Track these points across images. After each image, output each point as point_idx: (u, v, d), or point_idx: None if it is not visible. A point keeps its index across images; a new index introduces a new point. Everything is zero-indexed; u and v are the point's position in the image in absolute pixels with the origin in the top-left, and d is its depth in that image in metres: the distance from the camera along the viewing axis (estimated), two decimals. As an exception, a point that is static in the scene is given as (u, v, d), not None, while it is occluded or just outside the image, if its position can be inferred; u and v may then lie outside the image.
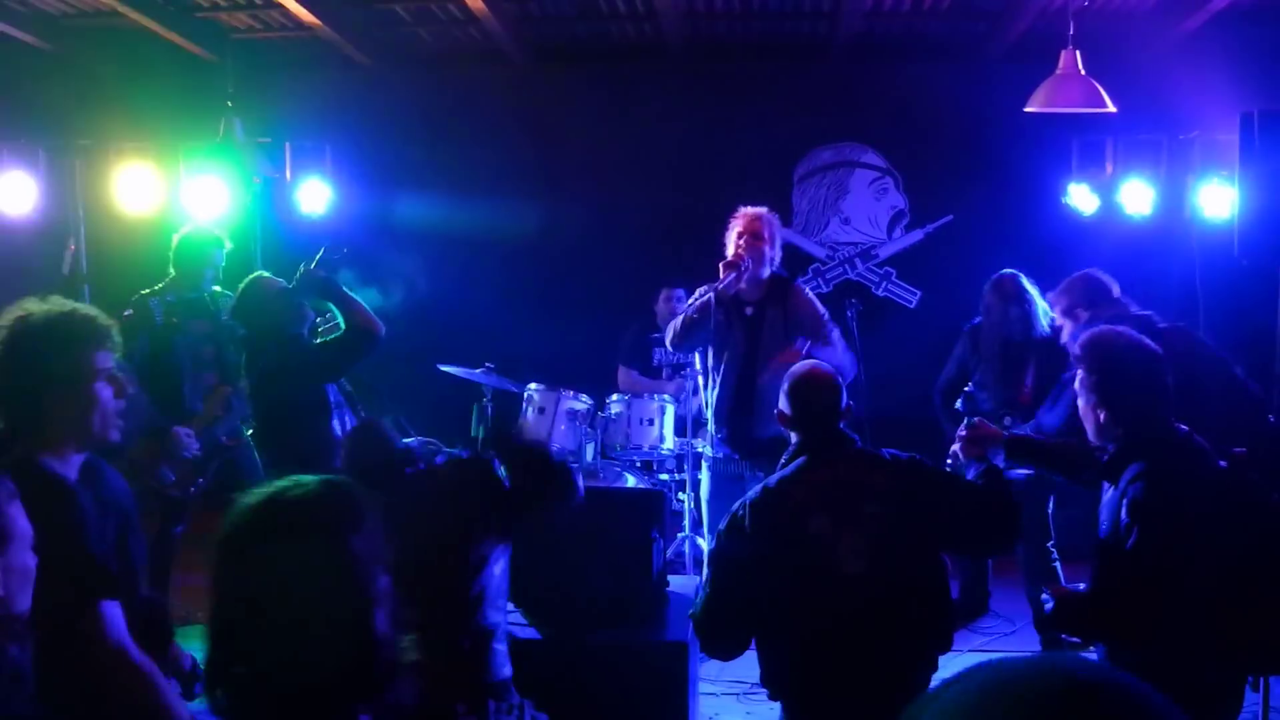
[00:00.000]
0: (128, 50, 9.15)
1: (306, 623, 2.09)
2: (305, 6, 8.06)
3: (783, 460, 4.12)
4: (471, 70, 9.77)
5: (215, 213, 8.10)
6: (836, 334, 6.41)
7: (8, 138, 8.16)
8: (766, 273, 6.35)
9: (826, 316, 6.38)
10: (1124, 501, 3.73)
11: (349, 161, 8.96)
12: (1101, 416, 3.89)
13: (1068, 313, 6.17)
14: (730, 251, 6.28)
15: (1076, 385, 4.03)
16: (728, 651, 4.20)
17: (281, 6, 8.16)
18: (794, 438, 4.16)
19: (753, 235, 6.30)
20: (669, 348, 6.82)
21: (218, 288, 7.24)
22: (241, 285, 6.00)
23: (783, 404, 4.17)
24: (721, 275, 6.14)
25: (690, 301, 6.38)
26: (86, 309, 3.36)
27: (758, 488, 4.08)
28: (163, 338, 6.95)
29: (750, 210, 6.48)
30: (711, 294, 6.12)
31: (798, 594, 3.91)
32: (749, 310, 6.36)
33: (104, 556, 3.12)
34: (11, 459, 3.12)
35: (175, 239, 7.21)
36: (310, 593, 2.10)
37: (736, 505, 4.07)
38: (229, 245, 7.33)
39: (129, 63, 9.25)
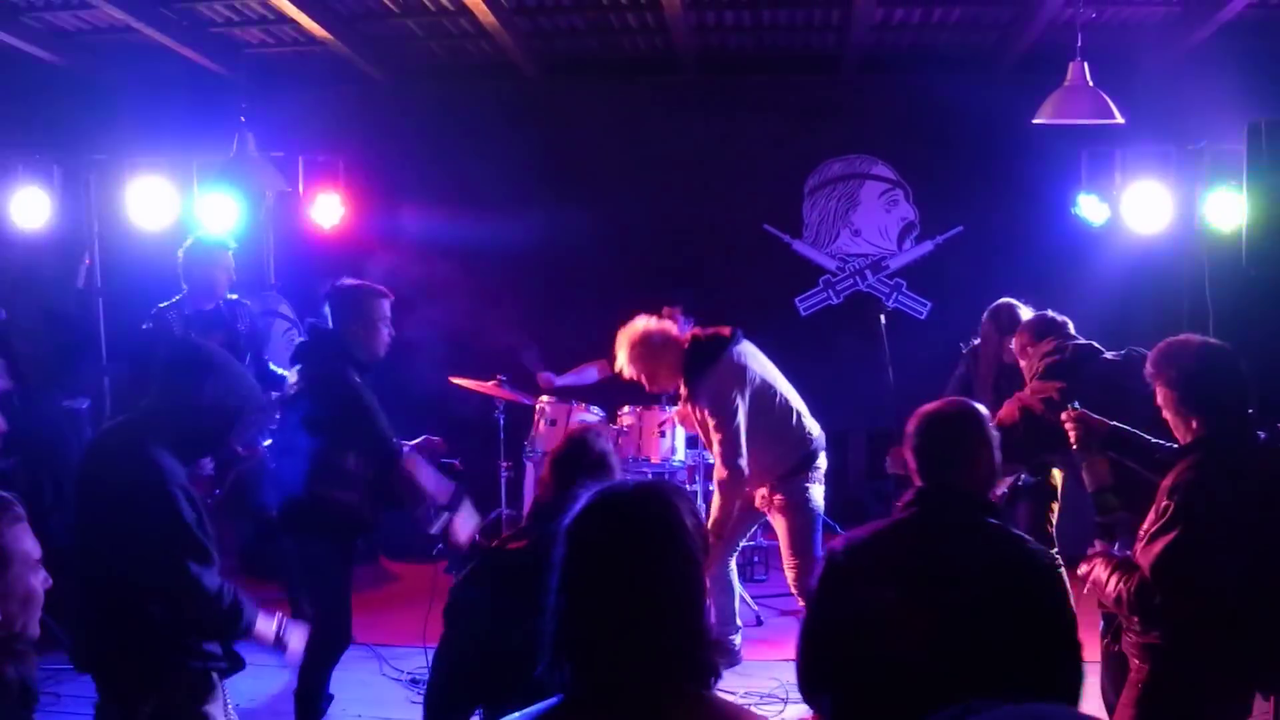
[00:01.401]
0: (142, 65, 9.20)
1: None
2: (318, 21, 8.12)
3: (900, 503, 3.54)
4: (483, 84, 9.82)
5: (228, 226, 8.15)
6: (716, 450, 6.28)
7: (23, 152, 8.21)
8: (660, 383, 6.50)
9: (719, 421, 6.21)
10: (1168, 487, 3.77)
11: (361, 175, 9.01)
12: (1194, 424, 3.90)
13: (1020, 351, 6.23)
14: (629, 370, 6.43)
15: (1159, 400, 4.02)
16: (812, 688, 3.58)
17: (294, 21, 8.21)
18: (917, 482, 3.55)
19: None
20: None
21: (233, 295, 7.27)
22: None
23: (907, 441, 3.60)
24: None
25: None
26: None
27: (864, 527, 3.56)
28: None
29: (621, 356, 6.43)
30: None
31: (860, 667, 3.36)
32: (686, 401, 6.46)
33: None
34: None
35: (181, 253, 7.25)
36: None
37: (836, 542, 3.55)
38: (234, 246, 7.36)
39: (143, 78, 9.30)
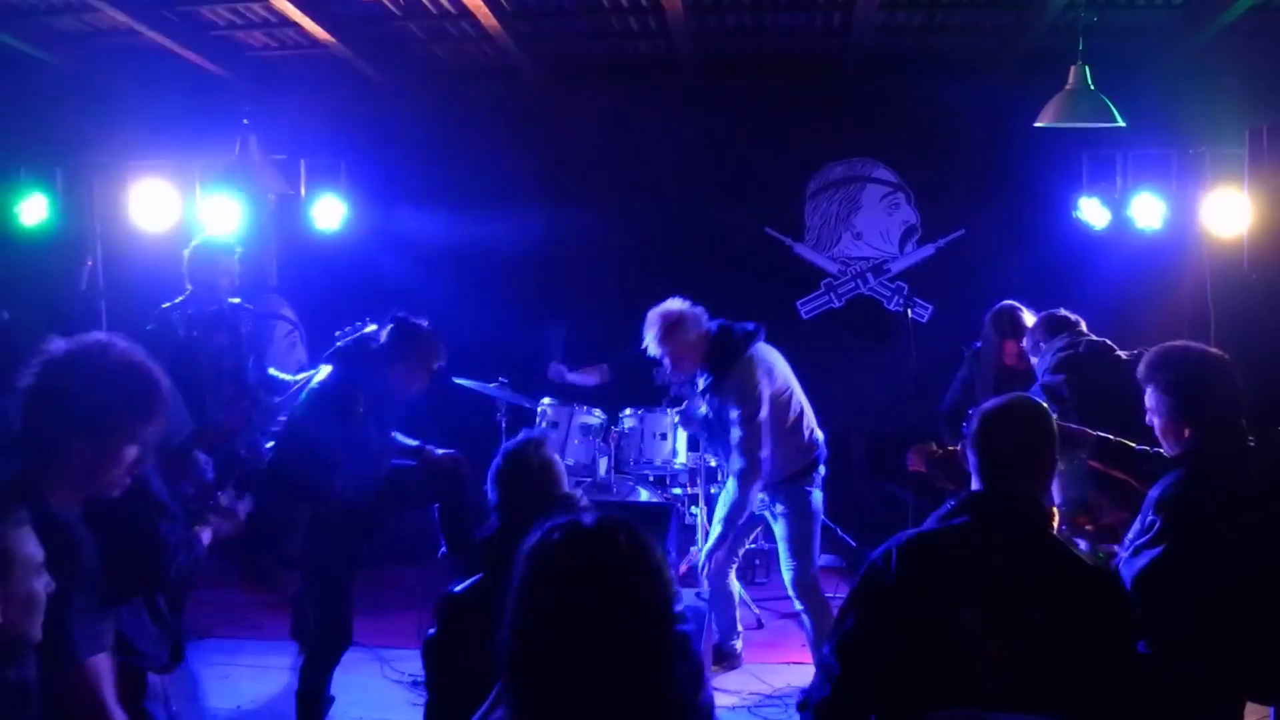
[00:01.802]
0: (144, 68, 9.21)
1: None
2: (320, 24, 8.12)
3: (942, 510, 3.33)
4: (485, 87, 9.82)
5: (231, 229, 8.16)
6: (736, 434, 6.27)
7: (25, 155, 8.24)
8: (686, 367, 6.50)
9: (752, 416, 6.22)
10: (1156, 501, 3.76)
11: (363, 177, 9.03)
12: (1186, 433, 3.89)
13: (1033, 349, 6.26)
14: (653, 349, 6.45)
15: (1150, 404, 4.01)
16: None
17: (296, 24, 8.22)
18: (973, 483, 3.35)
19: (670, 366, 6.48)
20: None
21: (236, 299, 7.28)
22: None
23: (967, 440, 3.39)
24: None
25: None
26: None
27: (911, 535, 3.29)
28: (185, 351, 6.99)
29: (648, 334, 6.45)
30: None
31: (925, 691, 3.07)
32: (704, 392, 6.48)
33: (92, 613, 3.07)
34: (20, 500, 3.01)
35: (186, 253, 7.26)
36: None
37: (878, 554, 3.27)
38: (239, 249, 7.37)
39: (145, 80, 9.31)
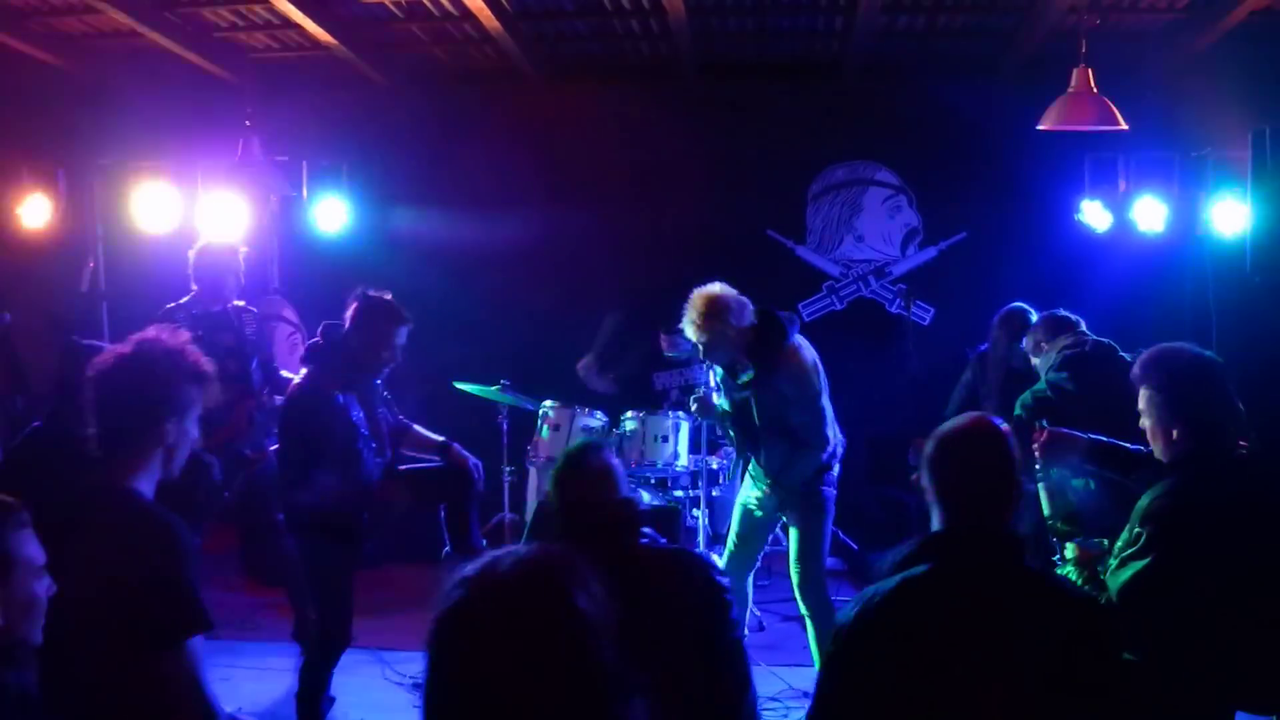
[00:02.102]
0: (146, 70, 9.22)
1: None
2: (322, 26, 8.13)
3: (900, 553, 3.00)
4: (487, 89, 9.82)
5: (233, 231, 8.17)
6: (825, 419, 6.20)
7: (28, 156, 8.24)
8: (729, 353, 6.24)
9: (818, 395, 6.15)
10: (1142, 511, 3.74)
11: (365, 180, 9.02)
12: (1175, 434, 3.87)
13: (1034, 349, 6.25)
14: (690, 333, 6.17)
15: (1142, 405, 4.00)
16: None
17: (299, 27, 8.23)
18: (935, 521, 3.04)
19: (707, 351, 6.22)
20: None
21: (239, 302, 7.28)
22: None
23: (924, 468, 3.06)
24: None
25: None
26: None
27: (875, 593, 2.94)
28: None
29: (696, 315, 6.13)
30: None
31: None
32: (748, 384, 6.24)
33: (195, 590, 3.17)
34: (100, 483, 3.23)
35: (192, 254, 7.26)
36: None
37: (849, 618, 2.95)
38: (245, 250, 7.36)
39: (148, 82, 9.32)
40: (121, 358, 3.33)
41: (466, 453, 6.08)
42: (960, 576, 2.87)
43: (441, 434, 6.16)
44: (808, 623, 6.31)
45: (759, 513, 6.33)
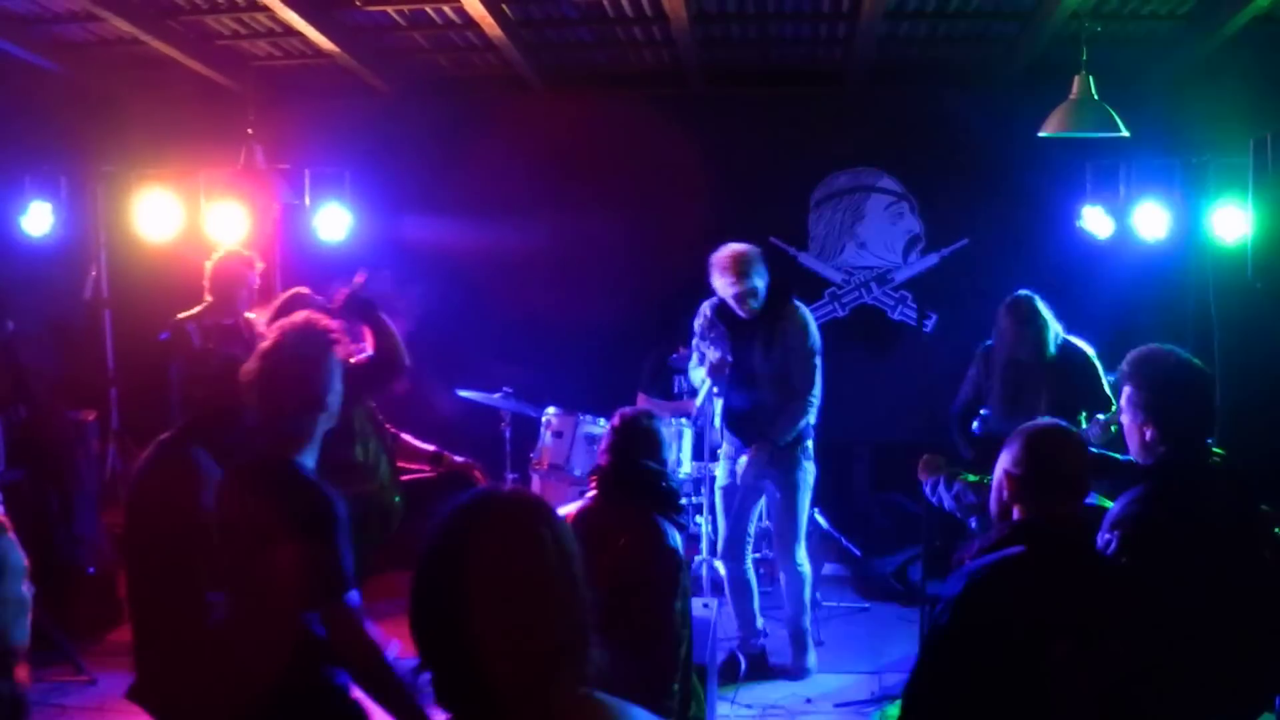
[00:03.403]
0: (149, 77, 9.24)
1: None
2: (325, 35, 8.14)
3: (983, 544, 3.29)
4: (489, 96, 9.84)
5: (235, 239, 8.17)
6: (818, 376, 6.99)
7: (30, 164, 8.25)
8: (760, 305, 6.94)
9: (816, 351, 6.98)
10: (1116, 516, 3.74)
11: (368, 187, 9.03)
12: (1148, 434, 3.88)
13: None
14: (725, 291, 6.91)
15: (1122, 401, 4.01)
16: None
17: (301, 35, 8.24)
18: (1015, 514, 3.34)
19: (741, 300, 6.89)
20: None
21: (251, 314, 7.28)
22: (279, 300, 5.98)
23: (1008, 461, 3.37)
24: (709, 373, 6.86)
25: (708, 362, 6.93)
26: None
27: (981, 568, 3.17)
28: (200, 362, 6.98)
29: (736, 263, 6.87)
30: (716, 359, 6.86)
31: None
32: (745, 328, 6.97)
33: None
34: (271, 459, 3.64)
35: (208, 265, 7.26)
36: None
37: (957, 591, 3.17)
38: (261, 266, 7.37)
39: (150, 90, 9.34)
40: (278, 347, 3.72)
41: (459, 458, 6.09)
42: (1054, 560, 3.15)
43: (445, 441, 6.17)
44: (784, 589, 7.12)
45: (741, 486, 6.93)
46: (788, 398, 6.86)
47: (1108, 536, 3.69)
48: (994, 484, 3.42)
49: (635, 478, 4.38)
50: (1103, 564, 3.32)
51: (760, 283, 6.85)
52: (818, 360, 6.94)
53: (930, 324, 9.89)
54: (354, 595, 3.58)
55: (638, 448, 4.42)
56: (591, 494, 4.48)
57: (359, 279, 5.77)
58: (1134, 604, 3.19)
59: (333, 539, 3.53)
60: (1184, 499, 3.74)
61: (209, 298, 7.20)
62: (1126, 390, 3.98)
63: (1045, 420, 3.52)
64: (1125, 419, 4.00)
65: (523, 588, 2.11)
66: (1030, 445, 3.34)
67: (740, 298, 6.83)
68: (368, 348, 5.56)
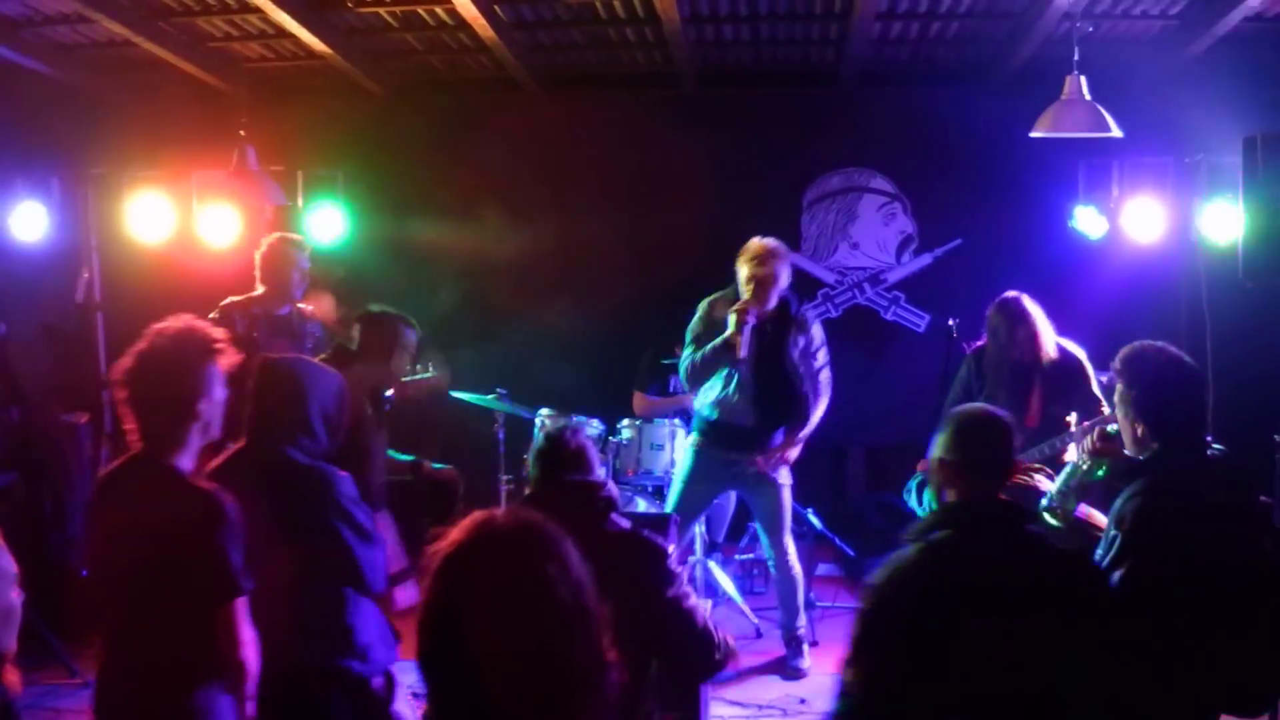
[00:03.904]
0: (141, 80, 9.22)
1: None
2: (317, 36, 8.13)
3: (918, 526, 3.41)
4: (482, 98, 9.83)
5: (228, 241, 8.16)
6: (826, 375, 7.05)
7: (22, 166, 8.24)
8: (774, 303, 6.87)
9: (825, 356, 7.05)
10: (1115, 514, 3.75)
11: (360, 189, 9.03)
12: (1139, 430, 3.90)
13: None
14: (744, 292, 6.81)
15: (1115, 398, 4.03)
16: None
17: (294, 36, 8.23)
18: (945, 496, 3.48)
19: (760, 285, 6.78)
20: (685, 385, 7.12)
21: (303, 305, 7.20)
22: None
23: (942, 449, 3.49)
24: (735, 323, 6.69)
25: (703, 348, 6.84)
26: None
27: (900, 559, 3.32)
28: (240, 349, 6.90)
29: (761, 250, 6.85)
30: (724, 339, 6.72)
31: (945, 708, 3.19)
32: (767, 328, 6.91)
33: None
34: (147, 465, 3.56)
35: (257, 254, 7.24)
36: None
37: (878, 578, 3.31)
38: (310, 247, 7.34)
39: (142, 92, 9.32)
40: (150, 350, 3.59)
41: (439, 466, 6.10)
42: (979, 541, 3.28)
43: (438, 444, 6.17)
44: (777, 590, 7.21)
45: (707, 483, 7.08)
46: (795, 396, 6.95)
47: (1114, 534, 3.70)
48: (930, 469, 3.54)
49: (563, 494, 4.02)
50: (1032, 544, 3.36)
51: (783, 276, 6.88)
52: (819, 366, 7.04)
53: (923, 324, 9.89)
54: (243, 600, 3.48)
55: (565, 466, 4.09)
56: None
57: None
58: (1063, 583, 3.27)
59: (214, 540, 3.41)
60: (1179, 493, 3.75)
61: (261, 287, 7.14)
62: (1119, 387, 4.00)
63: (975, 406, 3.71)
64: (1119, 415, 4.02)
65: (529, 629, 2.04)
66: (960, 432, 3.46)
67: (760, 281, 6.78)
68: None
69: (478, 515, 2.22)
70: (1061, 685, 3.17)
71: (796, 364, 6.89)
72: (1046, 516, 4.70)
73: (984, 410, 3.64)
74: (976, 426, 3.50)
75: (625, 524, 4.10)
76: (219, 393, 3.66)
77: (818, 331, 7.07)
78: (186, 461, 3.58)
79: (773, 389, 6.90)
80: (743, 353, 6.68)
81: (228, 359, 3.67)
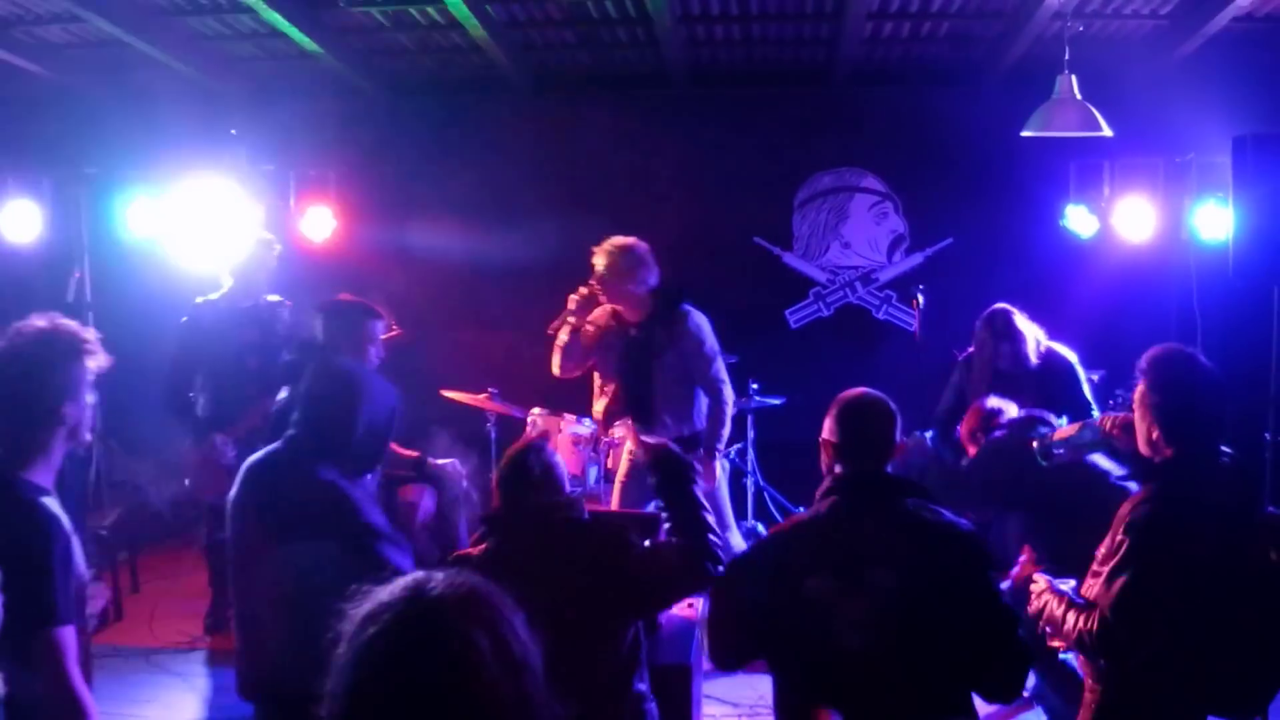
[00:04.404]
0: (133, 79, 9.21)
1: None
2: (309, 36, 8.13)
3: (818, 494, 3.66)
4: (475, 98, 9.84)
5: (219, 240, 8.16)
6: (718, 368, 6.90)
7: (13, 166, 8.22)
8: (639, 293, 6.87)
9: (713, 354, 6.88)
10: (1124, 519, 3.76)
11: (352, 189, 9.02)
12: (1154, 434, 3.90)
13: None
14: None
15: (1135, 397, 4.03)
16: (725, 664, 3.79)
17: (285, 36, 8.23)
18: (836, 469, 3.68)
19: (601, 280, 6.84)
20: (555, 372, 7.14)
21: (274, 296, 7.26)
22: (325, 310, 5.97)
23: (827, 428, 3.72)
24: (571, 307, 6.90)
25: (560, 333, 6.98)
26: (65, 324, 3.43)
27: (784, 524, 3.77)
28: (212, 344, 7.01)
29: (606, 248, 6.87)
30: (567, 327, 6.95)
31: (796, 657, 3.56)
32: (634, 332, 6.94)
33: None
34: None
35: (226, 249, 7.34)
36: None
37: (765, 537, 3.78)
38: (279, 247, 7.36)
39: (134, 91, 9.31)
40: (6, 350, 3.32)
41: (441, 461, 6.09)
42: (848, 508, 3.55)
43: (430, 442, 6.16)
44: None
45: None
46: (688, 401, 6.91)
47: (1120, 539, 3.71)
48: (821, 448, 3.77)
49: (529, 519, 3.90)
50: (907, 513, 3.52)
51: (608, 269, 6.87)
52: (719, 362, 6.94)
53: (915, 323, 9.90)
54: (66, 631, 3.12)
55: (531, 489, 3.92)
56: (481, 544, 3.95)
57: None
58: (917, 545, 3.44)
59: (39, 565, 3.10)
60: (1189, 501, 3.75)
61: (229, 282, 7.20)
62: (1140, 388, 4.00)
63: (857, 390, 3.85)
64: (1136, 415, 4.02)
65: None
66: (842, 415, 3.70)
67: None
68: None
69: (411, 580, 1.93)
70: (905, 645, 3.35)
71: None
72: (1034, 442, 5.05)
73: (864, 394, 3.82)
74: (855, 410, 3.71)
75: (584, 517, 4.04)
76: (87, 395, 3.38)
77: (704, 333, 6.90)
78: (44, 471, 3.31)
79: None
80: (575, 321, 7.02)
81: (98, 360, 3.40)
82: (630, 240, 6.84)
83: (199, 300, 7.18)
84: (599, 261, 6.78)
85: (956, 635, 3.38)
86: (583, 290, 6.85)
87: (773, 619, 3.50)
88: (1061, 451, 5.02)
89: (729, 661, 3.77)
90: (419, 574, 1.94)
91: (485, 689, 1.80)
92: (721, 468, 7.04)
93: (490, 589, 1.94)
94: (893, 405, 3.78)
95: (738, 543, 7.07)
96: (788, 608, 3.44)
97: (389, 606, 1.86)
